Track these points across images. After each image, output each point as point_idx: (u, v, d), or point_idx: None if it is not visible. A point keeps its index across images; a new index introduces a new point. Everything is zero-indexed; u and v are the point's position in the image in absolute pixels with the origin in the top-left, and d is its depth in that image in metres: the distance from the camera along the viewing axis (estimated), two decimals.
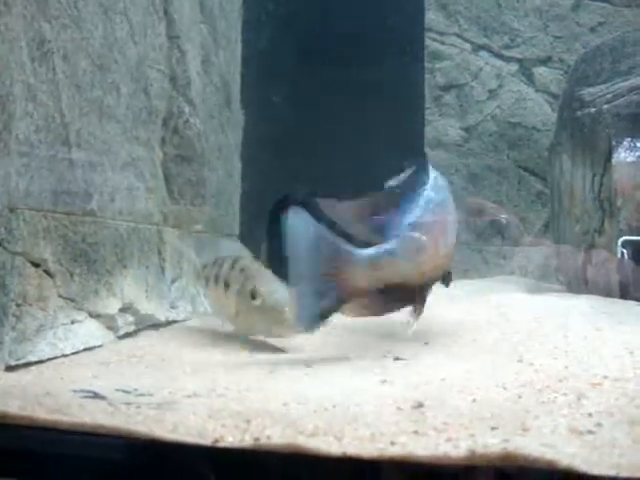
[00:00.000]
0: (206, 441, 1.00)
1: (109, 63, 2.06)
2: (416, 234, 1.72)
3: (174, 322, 2.50)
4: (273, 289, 1.93)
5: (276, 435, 1.01)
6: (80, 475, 1.05)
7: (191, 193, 2.70)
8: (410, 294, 1.76)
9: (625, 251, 2.74)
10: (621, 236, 2.79)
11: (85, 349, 1.89)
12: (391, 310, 1.80)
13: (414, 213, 1.77)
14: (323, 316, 1.66)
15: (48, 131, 1.72)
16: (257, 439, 1.00)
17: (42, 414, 1.09)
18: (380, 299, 1.72)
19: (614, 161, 2.92)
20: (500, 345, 1.82)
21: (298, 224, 1.60)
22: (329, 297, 1.64)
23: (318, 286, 1.63)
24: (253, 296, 1.98)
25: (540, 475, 0.93)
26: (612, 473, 0.89)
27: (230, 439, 1.00)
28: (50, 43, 1.67)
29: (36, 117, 1.66)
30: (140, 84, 2.33)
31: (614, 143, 2.96)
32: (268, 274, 1.97)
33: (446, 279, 1.97)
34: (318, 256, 1.63)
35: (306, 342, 1.94)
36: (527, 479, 0.95)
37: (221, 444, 0.99)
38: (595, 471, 0.89)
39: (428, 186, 1.88)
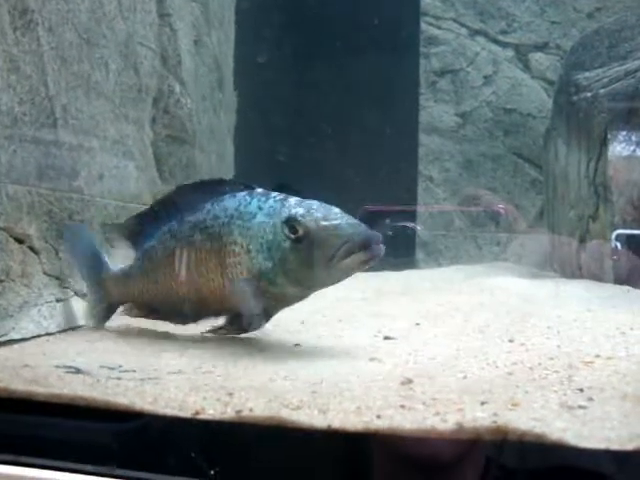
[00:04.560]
0: (186, 413, 0.97)
1: (97, 38, 2.02)
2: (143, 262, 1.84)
3: None
4: None
5: (259, 408, 0.99)
6: None
7: (182, 174, 2.67)
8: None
9: (619, 244, 2.72)
10: (615, 227, 2.78)
11: (71, 328, 1.86)
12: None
13: (150, 241, 1.84)
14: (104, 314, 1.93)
15: (32, 104, 1.68)
16: (239, 411, 0.97)
17: (19, 385, 1.06)
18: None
19: (610, 155, 2.90)
20: (492, 326, 1.80)
21: (75, 240, 1.89)
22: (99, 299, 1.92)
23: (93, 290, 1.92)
24: None
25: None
26: (602, 446, 0.87)
27: (211, 411, 0.98)
28: (34, 13, 1.63)
29: (19, 90, 1.62)
30: (129, 61, 2.29)
31: (609, 135, 2.93)
32: None
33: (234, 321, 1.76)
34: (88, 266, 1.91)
35: (297, 321, 1.91)
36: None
37: (201, 416, 0.97)
38: (585, 444, 0.87)
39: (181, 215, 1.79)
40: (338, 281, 1.59)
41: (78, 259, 1.89)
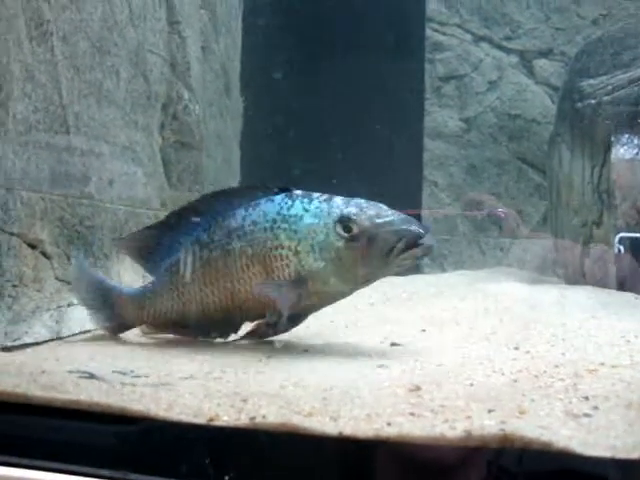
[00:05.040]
0: (201, 420, 1.00)
1: (109, 46, 2.05)
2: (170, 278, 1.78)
3: None
4: None
5: (272, 415, 1.01)
6: None
7: (189, 179, 2.70)
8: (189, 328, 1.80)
9: (622, 248, 2.74)
10: (618, 231, 2.79)
11: (82, 332, 1.88)
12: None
13: (174, 254, 1.79)
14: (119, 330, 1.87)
15: (46, 112, 1.71)
16: (253, 418, 0.99)
17: (37, 392, 1.08)
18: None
19: (613, 159, 2.92)
20: (497, 333, 1.82)
21: (79, 273, 1.82)
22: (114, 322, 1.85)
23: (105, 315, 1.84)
24: None
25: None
26: (608, 455, 0.89)
27: (225, 418, 1.00)
28: (49, 23, 1.66)
29: (34, 98, 1.65)
30: (139, 68, 2.32)
31: (613, 140, 2.95)
32: None
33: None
34: (96, 296, 1.82)
35: (303, 327, 1.94)
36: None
37: (216, 423, 0.99)
38: (591, 452, 0.89)
39: (209, 223, 1.77)
40: (389, 275, 1.65)
41: (81, 293, 1.82)
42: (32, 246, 1.70)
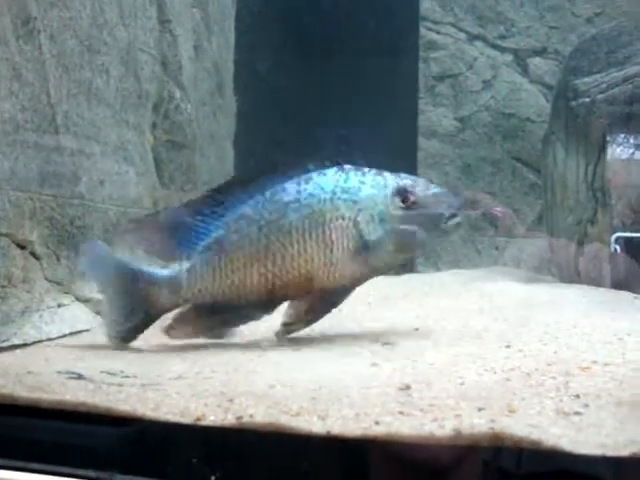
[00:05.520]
0: (188, 420, 0.98)
1: (98, 45, 2.04)
2: (214, 256, 1.72)
3: None
4: None
5: (259, 414, 1.00)
6: None
7: (182, 179, 2.68)
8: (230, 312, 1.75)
9: (618, 247, 2.73)
10: (614, 230, 2.79)
11: (72, 333, 1.87)
12: (219, 330, 1.79)
13: (216, 231, 1.74)
14: (137, 330, 1.74)
15: (34, 111, 1.70)
16: (240, 418, 0.98)
17: (23, 392, 1.07)
18: (202, 318, 1.76)
19: (608, 158, 2.91)
20: (489, 331, 1.81)
21: (94, 259, 1.70)
22: (137, 314, 1.72)
23: (127, 306, 1.71)
24: None
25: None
26: (598, 453, 0.88)
27: (212, 418, 0.99)
28: (36, 21, 1.65)
29: (21, 97, 1.63)
30: (130, 67, 2.30)
31: (608, 139, 2.94)
32: None
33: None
34: (120, 282, 1.71)
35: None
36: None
37: (203, 422, 0.98)
38: (581, 450, 0.88)
39: (255, 199, 1.75)
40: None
41: (100, 277, 1.72)
42: (21, 246, 1.68)
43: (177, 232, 1.75)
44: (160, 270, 1.75)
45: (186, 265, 1.73)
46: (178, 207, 1.84)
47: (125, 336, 1.73)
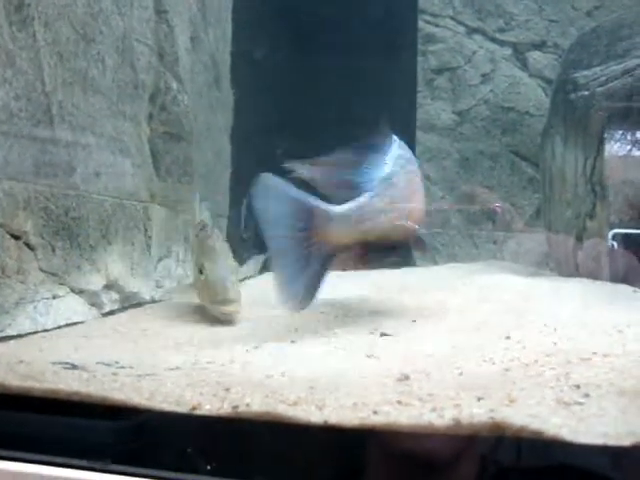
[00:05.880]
0: (183, 409, 0.97)
1: (93, 33, 2.01)
2: (389, 189, 1.82)
3: (160, 302, 2.47)
4: (218, 266, 1.91)
5: (256, 403, 0.98)
6: None
7: (178, 171, 2.66)
8: (391, 246, 1.87)
9: (615, 243, 2.72)
10: (611, 227, 2.78)
11: (67, 324, 1.85)
12: (374, 262, 1.99)
13: (385, 167, 1.86)
14: (311, 290, 1.63)
15: (28, 100, 1.67)
16: (236, 407, 0.97)
17: (15, 381, 1.06)
18: (362, 252, 1.80)
19: (607, 153, 2.90)
20: (488, 323, 1.80)
21: (268, 187, 1.60)
22: (312, 266, 1.61)
23: (297, 255, 1.60)
24: (200, 271, 1.96)
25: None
26: (599, 442, 0.87)
27: (208, 407, 0.97)
28: (30, 7, 1.62)
29: (15, 85, 1.61)
30: (126, 57, 2.28)
31: (607, 135, 2.93)
32: (223, 250, 1.98)
33: (418, 244, 2.02)
34: (292, 217, 1.60)
35: (293, 318, 1.91)
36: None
37: (198, 412, 0.96)
38: (581, 440, 0.87)
39: (395, 144, 1.97)
40: None
41: (273, 214, 1.59)
42: (15, 237, 1.66)
43: (349, 173, 1.82)
44: (330, 205, 1.69)
45: (358, 203, 1.73)
46: (348, 151, 1.92)
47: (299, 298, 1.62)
